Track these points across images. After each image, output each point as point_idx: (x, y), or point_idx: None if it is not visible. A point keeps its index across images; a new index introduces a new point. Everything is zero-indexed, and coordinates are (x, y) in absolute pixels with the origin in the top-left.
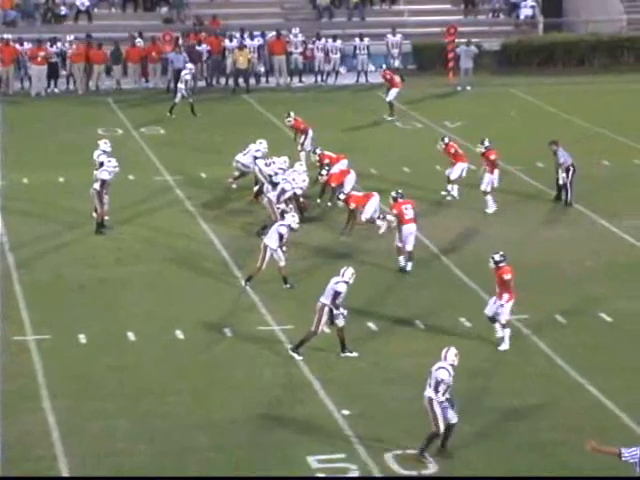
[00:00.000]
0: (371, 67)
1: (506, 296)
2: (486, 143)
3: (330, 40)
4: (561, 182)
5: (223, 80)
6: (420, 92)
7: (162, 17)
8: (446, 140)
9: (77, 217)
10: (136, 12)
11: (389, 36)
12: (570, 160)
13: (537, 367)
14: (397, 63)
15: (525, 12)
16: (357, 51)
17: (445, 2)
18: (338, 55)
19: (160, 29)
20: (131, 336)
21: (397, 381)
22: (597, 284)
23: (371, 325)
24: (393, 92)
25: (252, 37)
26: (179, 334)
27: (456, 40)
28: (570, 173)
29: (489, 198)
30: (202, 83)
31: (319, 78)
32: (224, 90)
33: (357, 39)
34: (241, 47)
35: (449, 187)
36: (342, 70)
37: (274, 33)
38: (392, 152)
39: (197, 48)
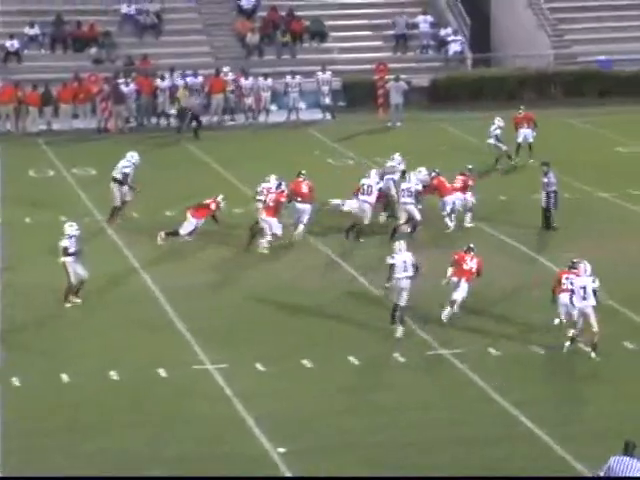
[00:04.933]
0: (302, 105)
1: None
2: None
3: (260, 78)
4: (543, 205)
5: (155, 120)
6: (351, 129)
7: (92, 58)
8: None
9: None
10: (65, 53)
11: (319, 73)
12: (554, 187)
13: (470, 398)
14: (327, 100)
15: (454, 48)
16: (288, 89)
17: (374, 39)
18: (269, 93)
19: (90, 70)
20: (65, 378)
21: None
22: (536, 313)
23: (305, 362)
24: None
25: (183, 76)
26: (113, 375)
27: (386, 76)
28: (552, 198)
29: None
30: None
31: (250, 116)
32: (157, 130)
33: (288, 77)
34: (185, 86)
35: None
36: (273, 108)
37: (211, 71)
38: (324, 188)
39: (122, 88)
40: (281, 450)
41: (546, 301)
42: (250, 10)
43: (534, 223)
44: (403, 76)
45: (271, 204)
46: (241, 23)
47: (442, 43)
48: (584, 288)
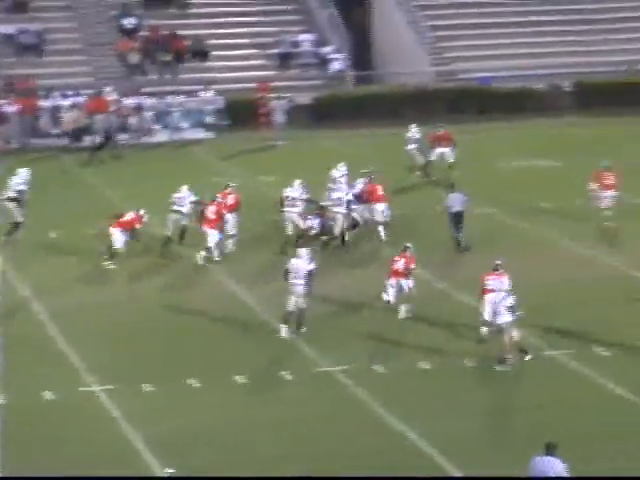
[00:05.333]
0: (185, 124)
1: None
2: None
3: (143, 98)
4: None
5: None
6: (235, 147)
7: None
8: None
9: None
10: None
11: (202, 92)
12: (457, 208)
13: (357, 416)
14: (211, 119)
15: (335, 66)
16: (171, 108)
17: (257, 57)
18: (152, 113)
19: None
20: None
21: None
22: (415, 331)
23: (192, 382)
24: None
25: (65, 96)
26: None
27: (269, 95)
28: (455, 220)
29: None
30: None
31: (134, 136)
32: (39, 150)
33: (170, 96)
34: (74, 105)
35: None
36: (156, 127)
37: (91, 91)
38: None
39: (4, 109)
40: (170, 471)
41: (436, 318)
42: (131, 29)
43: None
44: (286, 94)
45: (212, 216)
46: (122, 43)
47: (324, 61)
48: (497, 304)
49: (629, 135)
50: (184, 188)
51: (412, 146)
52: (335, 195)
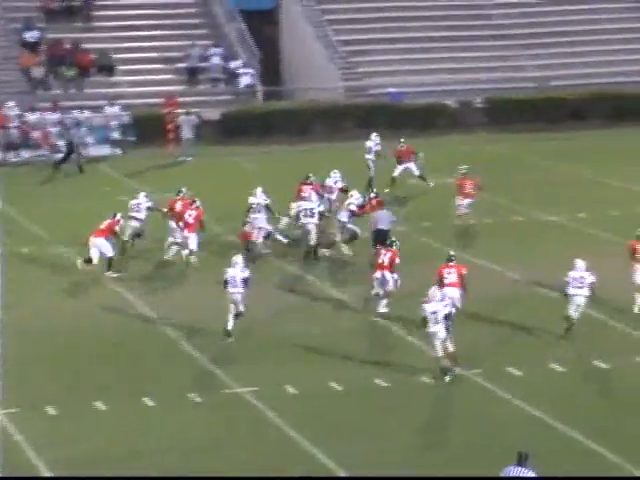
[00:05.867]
0: (90, 139)
1: None
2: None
3: (47, 113)
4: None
5: None
6: (141, 164)
7: None
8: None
9: None
10: None
11: (107, 107)
12: (383, 226)
13: (269, 437)
14: (117, 135)
15: (244, 81)
16: (76, 123)
17: (165, 72)
18: (56, 128)
19: None
20: None
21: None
22: (324, 353)
23: (98, 405)
24: None
25: None
26: None
27: (176, 110)
28: (379, 238)
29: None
30: None
31: (37, 152)
32: None
33: (75, 111)
34: None
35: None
36: (60, 143)
37: None
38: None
39: None
40: None
41: (349, 336)
42: (34, 43)
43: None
44: (194, 110)
45: (191, 220)
46: (26, 57)
47: (233, 76)
48: (435, 313)
49: (540, 152)
50: (141, 195)
51: (369, 156)
52: (304, 206)
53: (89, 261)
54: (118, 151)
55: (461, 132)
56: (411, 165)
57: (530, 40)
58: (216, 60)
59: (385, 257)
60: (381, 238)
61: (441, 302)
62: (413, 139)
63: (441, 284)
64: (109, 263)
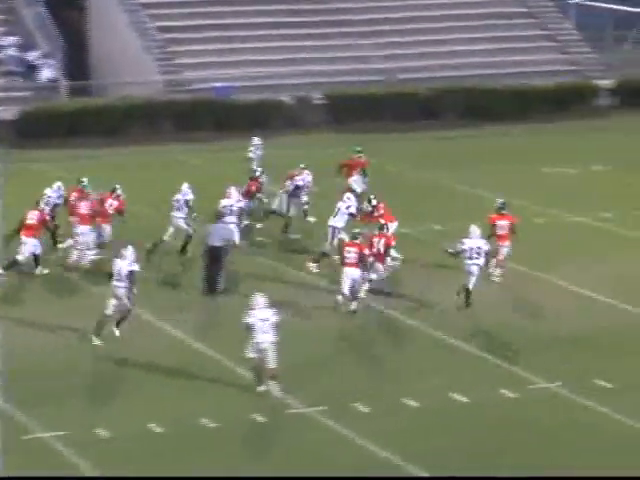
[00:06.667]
0: None
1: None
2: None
3: None
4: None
5: None
6: None
7: None
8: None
9: None
10: None
11: None
12: (217, 242)
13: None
14: None
15: (45, 74)
16: None
17: None
18: None
19: None
20: None
21: None
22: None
23: None
24: None
25: None
26: None
27: None
28: (211, 256)
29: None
30: None
31: None
32: None
33: None
34: None
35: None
36: None
37: None
38: None
39: None
40: None
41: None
42: None
43: None
44: None
45: (111, 211)
46: None
47: (31, 68)
48: (266, 321)
49: (388, 153)
50: (57, 184)
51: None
52: (223, 203)
53: (37, 263)
54: None
55: (299, 132)
56: (357, 179)
57: (374, 27)
58: (11, 50)
59: (379, 243)
60: (214, 257)
61: (269, 310)
62: (243, 140)
63: (493, 234)
64: (36, 262)
